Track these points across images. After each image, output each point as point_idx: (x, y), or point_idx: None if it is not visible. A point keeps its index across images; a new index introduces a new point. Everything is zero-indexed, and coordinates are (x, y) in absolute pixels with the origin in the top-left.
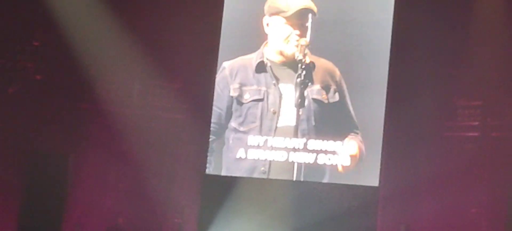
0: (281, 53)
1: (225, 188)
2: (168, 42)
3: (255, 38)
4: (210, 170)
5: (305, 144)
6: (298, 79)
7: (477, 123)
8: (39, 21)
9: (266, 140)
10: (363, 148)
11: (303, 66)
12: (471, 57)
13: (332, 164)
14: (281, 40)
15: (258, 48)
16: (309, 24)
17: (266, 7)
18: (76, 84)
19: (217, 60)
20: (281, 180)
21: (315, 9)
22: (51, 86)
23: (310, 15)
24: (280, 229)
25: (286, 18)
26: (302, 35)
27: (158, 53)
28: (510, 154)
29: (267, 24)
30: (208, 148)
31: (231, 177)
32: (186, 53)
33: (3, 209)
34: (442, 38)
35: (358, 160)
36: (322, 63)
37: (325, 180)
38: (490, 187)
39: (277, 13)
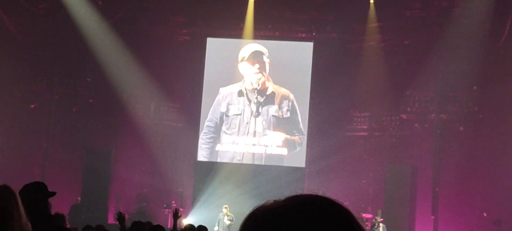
0: (252, 84)
1: (209, 169)
2: (172, 78)
3: (226, 76)
4: (202, 157)
5: (264, 142)
6: (263, 102)
7: (365, 126)
8: (90, 65)
9: (241, 139)
10: (296, 142)
11: (267, 93)
12: (362, 85)
13: (278, 154)
14: (250, 75)
15: (228, 83)
16: (265, 62)
17: (238, 59)
18: (115, 105)
19: (202, 91)
20: (248, 164)
21: (264, 51)
22: (99, 106)
23: (262, 56)
24: (245, 195)
25: (246, 60)
26: (262, 69)
27: (166, 86)
28: (386, 146)
29: (241, 69)
30: (197, 144)
31: (212, 162)
32: (183, 85)
33: (72, 184)
34: (344, 76)
35: (293, 146)
36: (281, 91)
37: (274, 164)
38: (374, 167)
39: (242, 60)
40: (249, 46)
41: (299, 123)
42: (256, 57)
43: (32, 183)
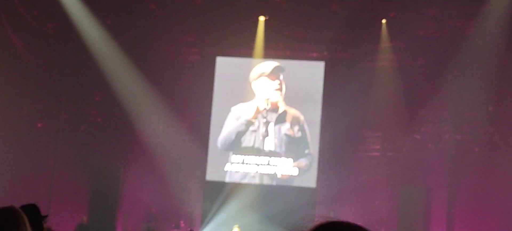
0: (266, 102)
1: (218, 189)
2: (181, 97)
3: (236, 95)
4: (213, 176)
5: (275, 162)
6: (276, 120)
7: (378, 147)
8: (99, 84)
9: (251, 159)
10: (307, 165)
11: (279, 112)
12: (375, 105)
13: (289, 174)
14: (266, 91)
15: (238, 102)
16: (282, 79)
17: (252, 76)
18: (124, 124)
19: (211, 110)
20: (258, 184)
21: (283, 68)
22: (108, 125)
23: (281, 73)
24: (255, 215)
25: (267, 76)
26: (281, 86)
27: (175, 105)
28: (400, 166)
29: (256, 86)
30: (207, 163)
31: (221, 182)
32: (192, 105)
33: (78, 203)
34: (356, 95)
35: (303, 171)
36: (292, 111)
37: (285, 184)
38: (387, 188)
39: (261, 75)
40: (268, 62)
41: (309, 143)
42: (276, 72)
43: (24, 205)
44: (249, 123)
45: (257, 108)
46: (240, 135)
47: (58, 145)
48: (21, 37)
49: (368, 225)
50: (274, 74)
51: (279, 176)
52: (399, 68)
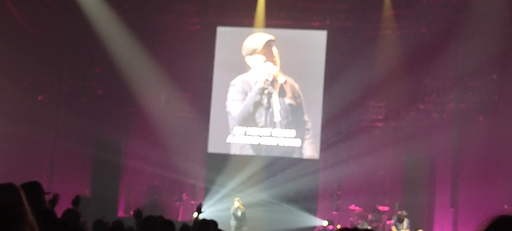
0: (266, 75)
1: (220, 161)
2: (182, 68)
3: (237, 65)
4: (215, 148)
5: (278, 134)
6: (279, 92)
7: (381, 117)
8: (99, 56)
9: (253, 130)
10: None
11: (281, 82)
12: (378, 75)
13: (291, 145)
14: (264, 66)
15: (239, 73)
16: (274, 51)
17: (245, 52)
18: (125, 95)
19: (212, 81)
20: (260, 156)
21: (273, 37)
22: (109, 97)
23: (273, 44)
24: (259, 187)
25: (260, 53)
26: (276, 59)
27: (176, 76)
28: (403, 136)
29: (251, 62)
30: (208, 135)
31: (223, 154)
32: (194, 75)
33: (81, 176)
34: (358, 65)
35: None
36: (289, 80)
37: (288, 155)
38: (391, 158)
39: (253, 52)
40: (258, 37)
41: (304, 113)
42: (268, 46)
43: (27, 183)
44: (262, 90)
45: (257, 81)
46: (256, 105)
47: (59, 118)
48: (20, 8)
49: (372, 196)
50: (266, 48)
51: (282, 144)
52: (403, 36)
